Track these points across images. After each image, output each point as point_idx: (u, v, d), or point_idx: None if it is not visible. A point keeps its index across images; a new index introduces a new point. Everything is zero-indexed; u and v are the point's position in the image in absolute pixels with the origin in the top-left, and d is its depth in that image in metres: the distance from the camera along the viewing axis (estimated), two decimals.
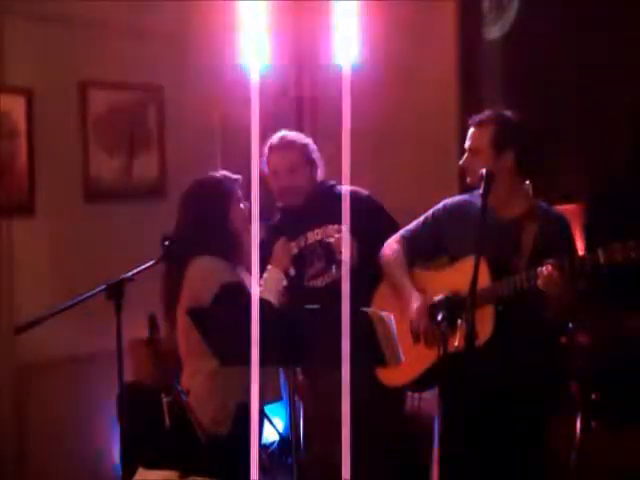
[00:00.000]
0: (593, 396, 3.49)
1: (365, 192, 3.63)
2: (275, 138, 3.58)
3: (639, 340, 3.74)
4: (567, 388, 3.56)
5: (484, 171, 2.96)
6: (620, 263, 2.75)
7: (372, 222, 3.45)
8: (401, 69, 4.83)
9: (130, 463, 3.22)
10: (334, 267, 3.49)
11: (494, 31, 4.68)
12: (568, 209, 3.53)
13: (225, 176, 3.37)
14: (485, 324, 2.94)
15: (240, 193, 3.34)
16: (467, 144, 3.15)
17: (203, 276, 3.23)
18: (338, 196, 3.40)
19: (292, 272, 3.43)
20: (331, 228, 3.51)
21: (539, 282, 2.86)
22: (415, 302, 3.18)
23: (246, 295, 3.14)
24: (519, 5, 4.57)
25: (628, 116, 4.34)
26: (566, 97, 4.45)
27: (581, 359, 3.66)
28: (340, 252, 3.33)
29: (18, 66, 4.27)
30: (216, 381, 3.24)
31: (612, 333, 3.80)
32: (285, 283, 3.38)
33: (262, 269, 3.46)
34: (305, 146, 3.60)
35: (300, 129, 4.92)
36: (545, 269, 2.85)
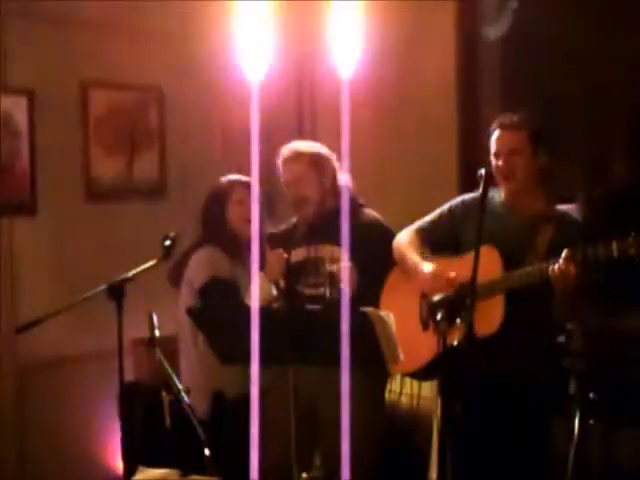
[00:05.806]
0: (591, 395, 3.49)
1: (388, 227, 3.52)
2: (285, 149, 3.54)
3: (638, 340, 3.74)
4: (566, 387, 3.57)
5: (482, 171, 2.96)
6: (633, 257, 2.76)
7: (381, 256, 3.40)
8: (401, 69, 4.84)
9: (130, 463, 3.23)
10: (328, 291, 3.40)
11: (494, 31, 4.68)
12: (567, 209, 3.53)
13: (228, 180, 3.69)
14: (496, 312, 2.98)
15: (240, 195, 3.62)
16: (502, 148, 3.13)
17: (199, 263, 3.55)
18: (359, 225, 3.31)
19: (282, 284, 3.41)
20: (337, 252, 3.35)
21: (550, 272, 2.87)
22: (427, 269, 3.17)
23: (232, 293, 3.43)
24: (518, 5, 4.57)
25: (629, 116, 4.34)
26: (566, 97, 4.45)
27: (580, 358, 3.66)
28: (341, 282, 3.25)
29: (19, 67, 4.27)
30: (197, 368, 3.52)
31: (612, 333, 3.80)
32: (275, 293, 3.38)
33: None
34: (314, 156, 3.49)
35: (300, 129, 4.93)
36: (557, 264, 2.86)
